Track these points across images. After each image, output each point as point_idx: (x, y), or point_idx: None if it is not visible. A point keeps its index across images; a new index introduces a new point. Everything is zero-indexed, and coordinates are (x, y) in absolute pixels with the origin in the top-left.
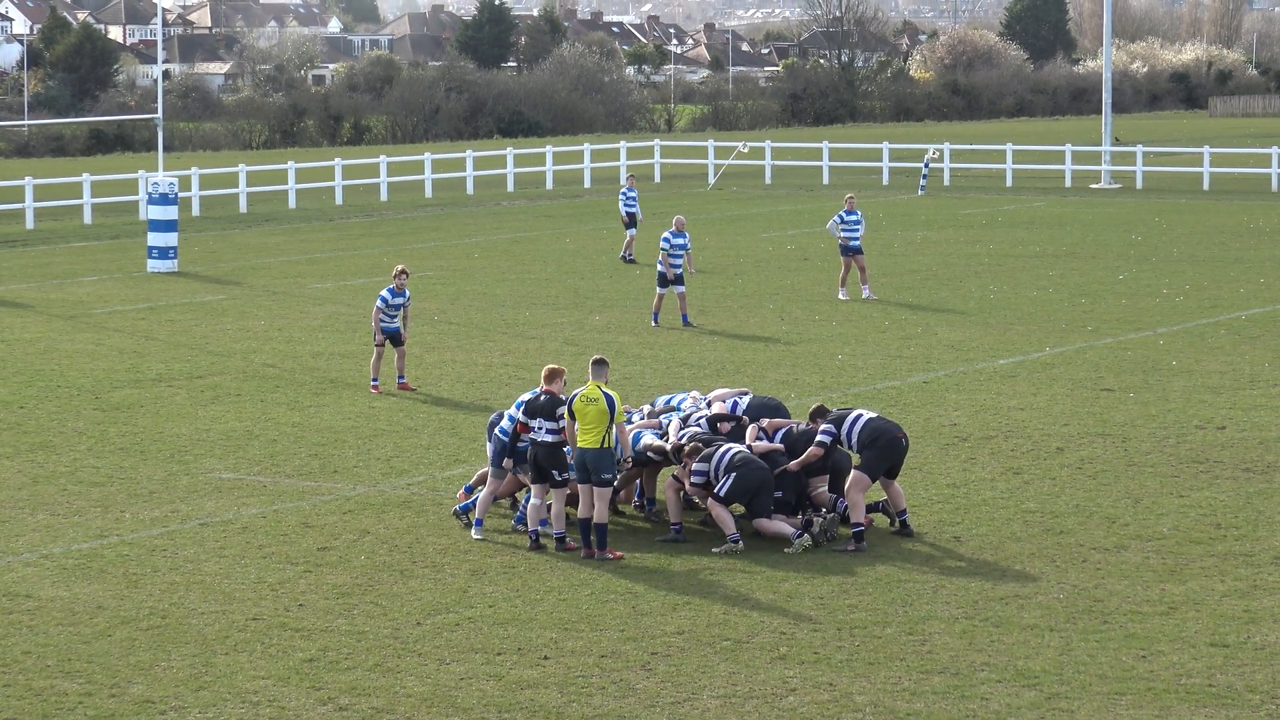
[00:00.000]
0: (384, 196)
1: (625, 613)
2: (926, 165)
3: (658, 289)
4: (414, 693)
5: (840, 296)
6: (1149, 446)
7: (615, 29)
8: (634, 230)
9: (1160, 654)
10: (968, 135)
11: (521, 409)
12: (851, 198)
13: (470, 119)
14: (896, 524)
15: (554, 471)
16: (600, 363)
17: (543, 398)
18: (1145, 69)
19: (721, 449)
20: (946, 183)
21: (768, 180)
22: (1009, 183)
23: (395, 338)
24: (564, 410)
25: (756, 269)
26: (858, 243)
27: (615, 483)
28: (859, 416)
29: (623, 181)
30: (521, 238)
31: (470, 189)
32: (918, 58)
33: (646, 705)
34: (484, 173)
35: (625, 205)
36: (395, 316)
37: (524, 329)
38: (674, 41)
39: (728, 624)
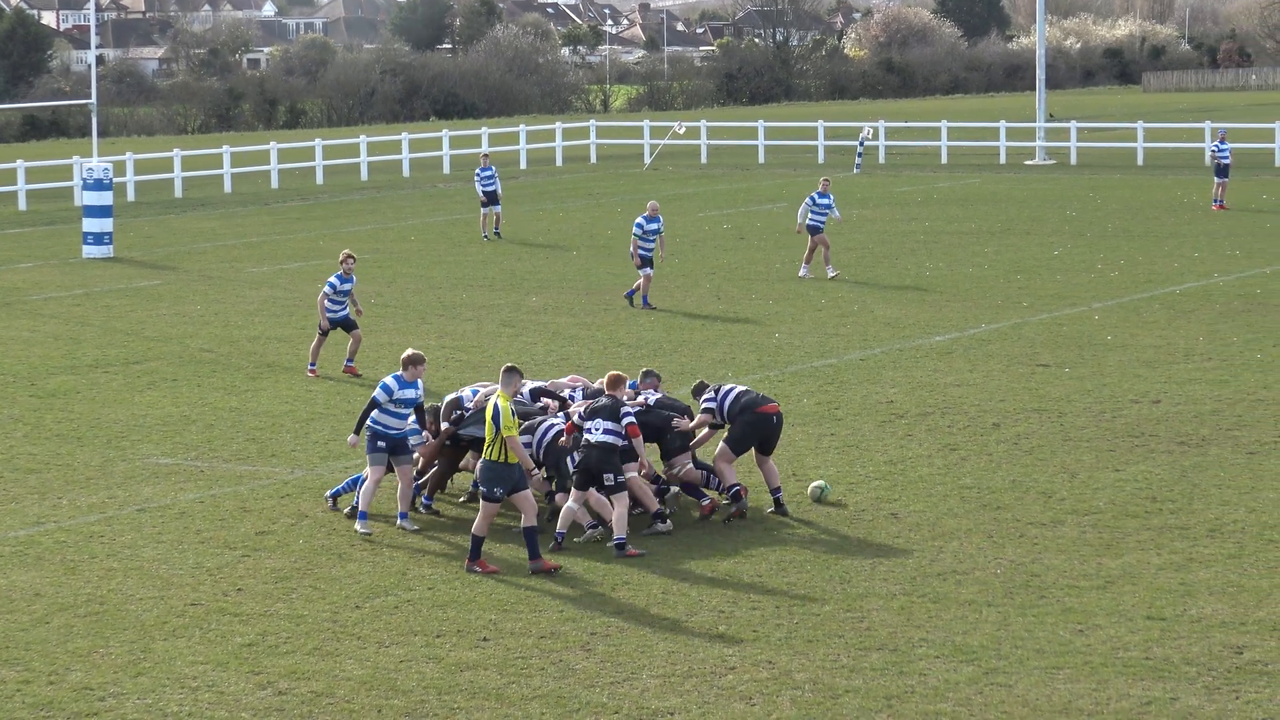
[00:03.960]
0: (320, 180)
1: (564, 594)
2: (862, 143)
3: (643, 272)
4: (353, 676)
5: (800, 274)
6: (1084, 421)
7: (550, 10)
8: (497, 207)
9: (1097, 628)
10: (903, 113)
11: (581, 411)
12: (826, 180)
13: (406, 101)
14: (772, 504)
15: (605, 475)
16: (507, 371)
17: (605, 400)
18: (1079, 45)
19: (544, 426)
20: (882, 160)
21: (703, 160)
22: (944, 160)
23: (347, 324)
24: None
25: (693, 249)
26: (816, 223)
27: (495, 499)
28: (732, 389)
29: (480, 164)
30: (457, 220)
31: (406, 171)
32: (852, 36)
33: (586, 685)
34: (420, 155)
35: (483, 185)
36: (344, 303)
37: (461, 311)
38: (609, 22)
39: (666, 603)
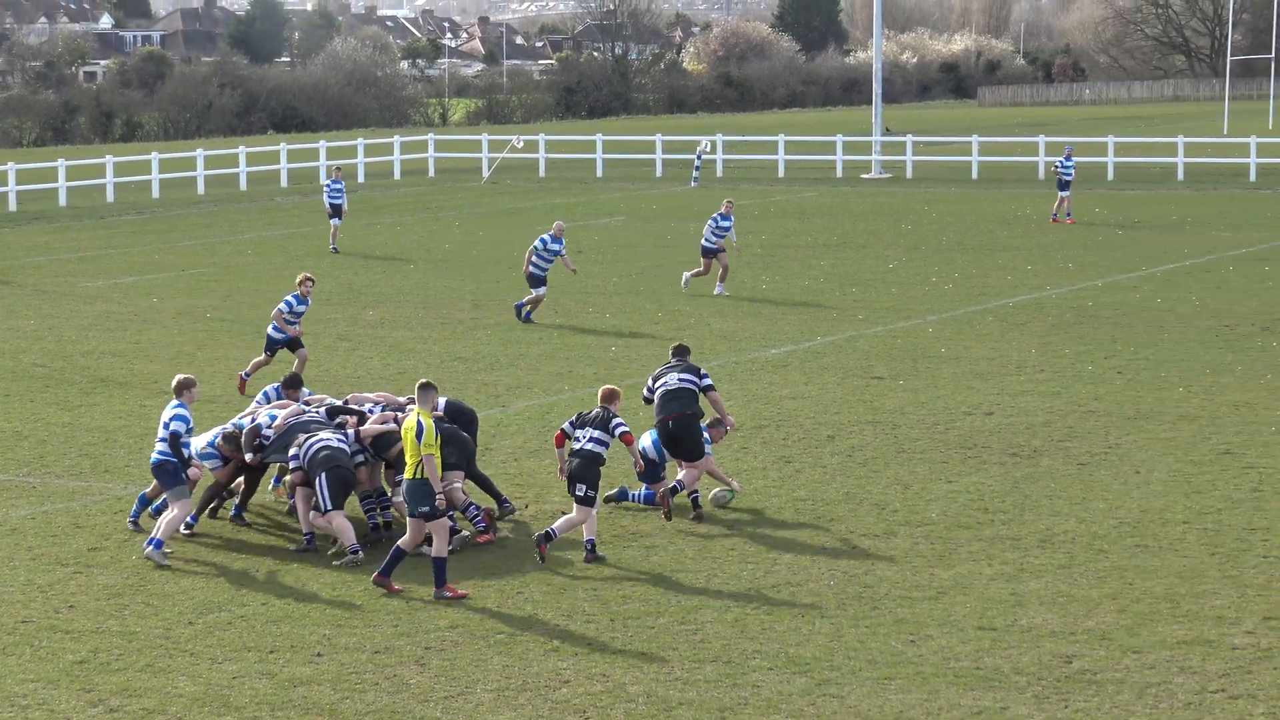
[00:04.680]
0: (156, 194)
1: (398, 608)
2: (699, 157)
3: (536, 290)
4: (186, 693)
5: (716, 291)
6: (918, 433)
7: (389, 23)
8: (338, 220)
9: (929, 638)
10: (740, 127)
11: (572, 419)
12: (729, 202)
13: (244, 115)
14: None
15: (579, 485)
16: (423, 387)
17: (596, 410)
18: (915, 59)
19: (311, 438)
20: (719, 174)
21: (542, 174)
22: (781, 174)
23: (294, 344)
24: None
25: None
26: (710, 244)
27: (434, 516)
28: (663, 386)
29: (328, 175)
30: (295, 234)
31: (243, 185)
32: (691, 50)
33: (420, 700)
34: (257, 169)
35: (330, 197)
36: (297, 325)
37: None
38: (448, 35)
39: (501, 617)
